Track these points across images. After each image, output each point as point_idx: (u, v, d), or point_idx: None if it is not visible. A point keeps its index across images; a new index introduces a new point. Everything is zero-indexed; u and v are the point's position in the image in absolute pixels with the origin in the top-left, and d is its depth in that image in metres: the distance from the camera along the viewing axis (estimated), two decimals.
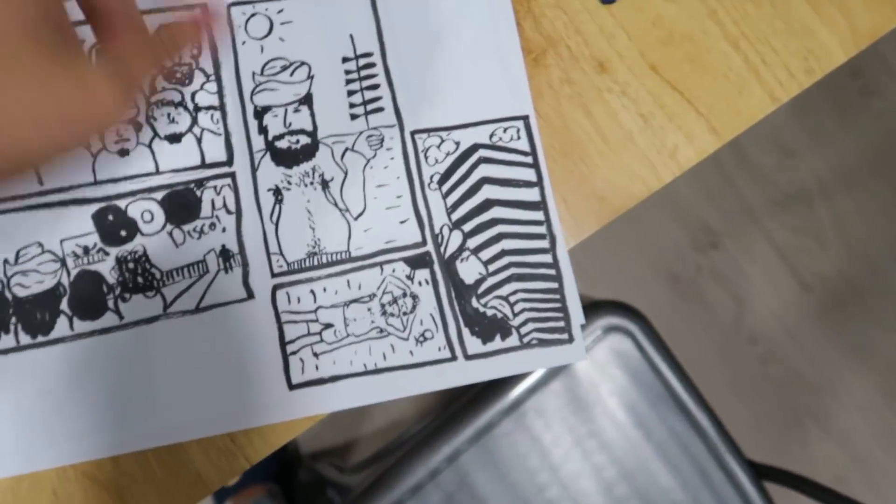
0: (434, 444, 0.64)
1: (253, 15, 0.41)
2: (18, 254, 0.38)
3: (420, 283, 0.40)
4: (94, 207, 0.39)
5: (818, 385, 1.26)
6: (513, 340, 0.40)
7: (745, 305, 1.25)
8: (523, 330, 0.40)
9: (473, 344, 0.40)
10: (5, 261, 0.38)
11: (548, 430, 0.66)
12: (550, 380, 0.65)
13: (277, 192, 0.40)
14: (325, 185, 0.40)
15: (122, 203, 0.39)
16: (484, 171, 0.41)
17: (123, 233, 0.39)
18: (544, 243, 0.41)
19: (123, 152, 0.39)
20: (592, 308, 0.68)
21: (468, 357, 0.40)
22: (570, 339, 0.40)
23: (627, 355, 0.67)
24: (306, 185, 0.40)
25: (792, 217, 1.29)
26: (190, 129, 0.40)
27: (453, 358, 0.40)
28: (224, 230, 0.39)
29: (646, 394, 0.67)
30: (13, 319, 0.37)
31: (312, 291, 0.39)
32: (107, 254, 0.38)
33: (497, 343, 0.40)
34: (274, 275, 0.39)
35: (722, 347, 1.23)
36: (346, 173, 0.40)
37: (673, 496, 0.66)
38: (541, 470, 0.65)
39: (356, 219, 0.40)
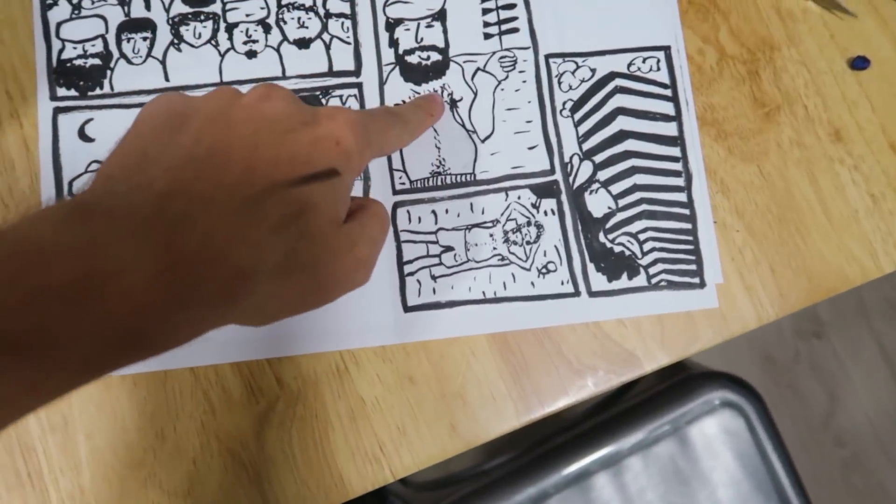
0: (519, 482, 0.61)
1: None
2: None
3: (546, 213, 0.38)
4: None
5: None
6: (640, 280, 0.38)
7: (839, 404, 1.18)
8: (652, 270, 0.38)
9: (598, 280, 0.38)
10: None
11: (642, 493, 0.62)
12: (654, 443, 0.62)
13: None
14: (453, 104, 0.38)
15: None
16: (619, 101, 0.39)
17: None
18: (679, 181, 0.38)
19: (251, 54, 0.38)
20: (710, 377, 0.64)
21: (592, 294, 0.37)
22: (702, 285, 0.38)
23: (738, 435, 0.63)
24: None
25: None
26: (319, 36, 0.38)
27: (576, 293, 0.37)
28: None
29: (750, 479, 0.63)
30: None
31: (434, 212, 0.38)
32: None
33: (623, 281, 0.38)
34: (395, 192, 0.38)
35: (806, 443, 1.16)
36: (475, 94, 0.38)
37: None
38: None
39: (483, 141, 0.38)
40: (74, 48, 0.37)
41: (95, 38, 0.38)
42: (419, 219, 0.37)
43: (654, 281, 0.38)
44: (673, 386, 0.64)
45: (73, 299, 0.20)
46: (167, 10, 0.38)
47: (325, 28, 0.38)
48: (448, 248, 0.37)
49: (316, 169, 0.26)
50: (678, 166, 0.39)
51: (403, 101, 0.38)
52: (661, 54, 0.39)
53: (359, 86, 0.38)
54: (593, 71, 0.39)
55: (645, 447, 0.62)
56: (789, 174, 0.39)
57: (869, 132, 0.40)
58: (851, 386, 1.18)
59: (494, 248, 0.37)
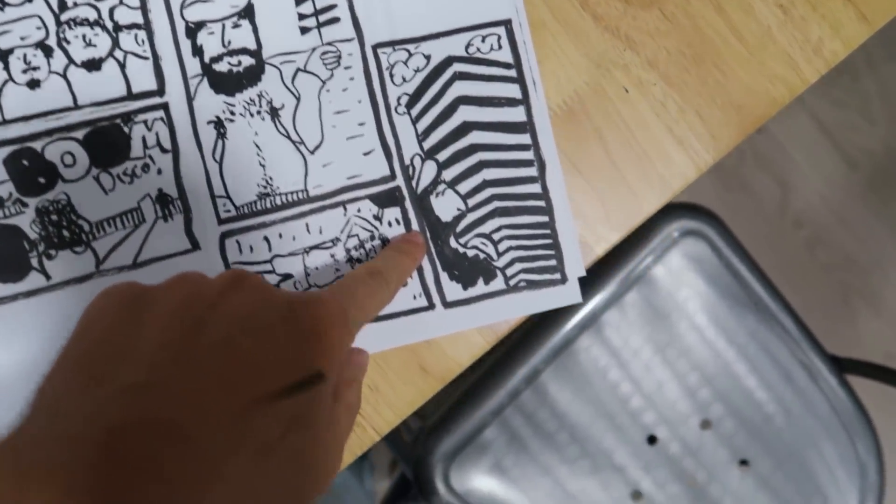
0: (511, 366, 0.62)
1: None
2: None
3: (390, 224, 0.35)
4: (5, 151, 0.33)
5: (866, 265, 1.22)
6: (498, 284, 0.35)
7: (790, 189, 1.21)
8: (509, 271, 0.35)
9: (453, 290, 0.35)
10: None
11: (626, 341, 0.64)
12: (625, 291, 0.63)
13: (219, 124, 0.34)
14: (274, 113, 0.34)
15: (37, 145, 0.33)
16: (460, 88, 0.35)
17: (42, 179, 0.33)
18: (532, 171, 0.35)
19: (33, 83, 0.33)
20: (663, 212, 0.64)
21: (447, 305, 0.35)
22: (563, 280, 0.36)
23: (703, 259, 0.64)
24: (252, 115, 0.34)
25: (836, 91, 1.21)
26: (111, 54, 0.34)
27: (430, 307, 0.35)
28: (160, 172, 0.34)
29: (724, 296, 0.65)
30: None
31: (266, 238, 0.34)
32: (25, 205, 0.33)
33: (480, 288, 0.35)
34: (221, 221, 0.34)
35: (768, 234, 1.20)
36: (298, 99, 0.35)
37: (756, 397, 0.65)
38: (622, 381, 0.64)
39: (313, 152, 0.35)
40: None
41: None
42: (251, 248, 0.34)
43: (512, 283, 0.35)
44: (632, 231, 0.65)
45: None
46: None
47: (116, 44, 0.34)
48: (286, 276, 0.34)
49: (301, 375, 0.23)
50: (529, 155, 0.36)
51: (219, 118, 0.34)
52: (501, 30, 0.35)
53: (164, 106, 0.34)
54: (428, 58, 0.35)
55: (618, 298, 0.63)
56: (693, 9, 0.37)
57: None
58: (798, 168, 1.22)
59: (338, 270, 0.35)
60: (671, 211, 0.65)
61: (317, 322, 0.24)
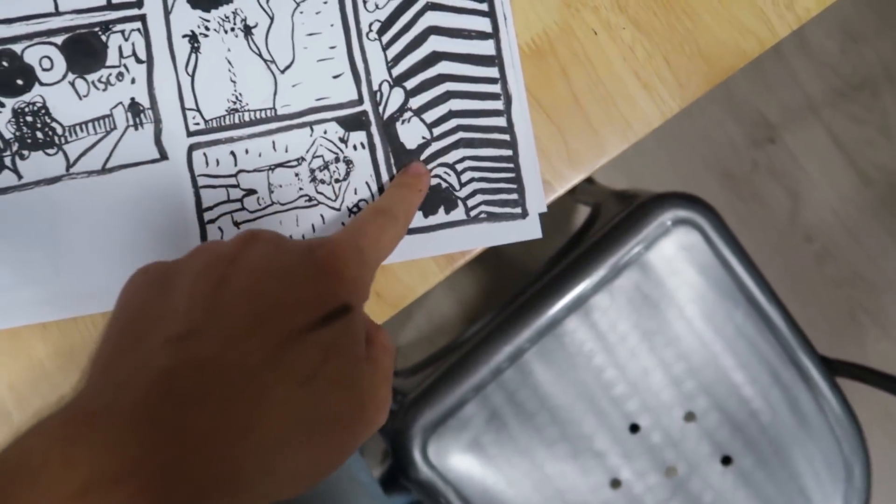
0: (496, 343, 0.62)
1: None
2: None
3: (355, 147, 0.36)
4: None
5: (876, 282, 1.20)
6: (458, 213, 0.36)
7: (802, 201, 1.20)
8: (470, 202, 0.36)
9: (414, 217, 0.35)
10: None
11: (613, 326, 0.63)
12: (615, 276, 0.63)
13: (194, 38, 0.35)
14: (247, 31, 0.35)
15: (17, 47, 0.34)
16: (431, 18, 0.36)
17: (20, 81, 0.34)
18: (498, 104, 0.36)
19: None
20: (659, 200, 0.64)
21: (407, 231, 0.35)
22: (524, 214, 0.36)
23: (696, 249, 0.63)
24: (226, 32, 0.35)
25: (854, 107, 1.20)
26: None
27: None
28: (133, 81, 0.35)
29: (715, 289, 0.64)
30: None
31: (233, 153, 0.35)
32: (2, 105, 0.34)
33: (440, 216, 0.36)
34: (190, 133, 0.35)
35: (777, 246, 1.18)
36: (272, 19, 0.35)
37: (742, 392, 0.64)
38: (607, 367, 0.63)
39: (283, 72, 0.35)
40: None
41: None
42: (217, 161, 0.35)
43: (473, 214, 0.36)
44: (626, 217, 0.64)
45: None
46: None
47: None
48: (250, 192, 0.35)
49: (328, 308, 0.24)
50: (496, 88, 0.36)
51: (194, 32, 0.35)
52: None
53: (142, 18, 0.35)
54: None
55: (608, 282, 0.63)
56: None
57: None
58: (811, 181, 1.20)
59: (301, 189, 0.35)
60: (667, 199, 0.64)
61: (334, 259, 0.26)
